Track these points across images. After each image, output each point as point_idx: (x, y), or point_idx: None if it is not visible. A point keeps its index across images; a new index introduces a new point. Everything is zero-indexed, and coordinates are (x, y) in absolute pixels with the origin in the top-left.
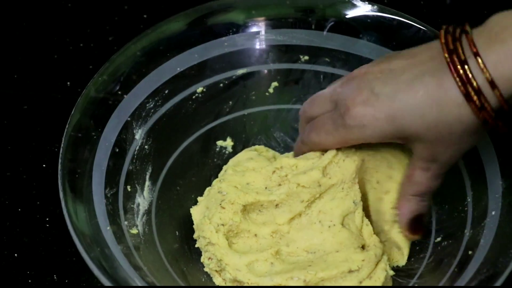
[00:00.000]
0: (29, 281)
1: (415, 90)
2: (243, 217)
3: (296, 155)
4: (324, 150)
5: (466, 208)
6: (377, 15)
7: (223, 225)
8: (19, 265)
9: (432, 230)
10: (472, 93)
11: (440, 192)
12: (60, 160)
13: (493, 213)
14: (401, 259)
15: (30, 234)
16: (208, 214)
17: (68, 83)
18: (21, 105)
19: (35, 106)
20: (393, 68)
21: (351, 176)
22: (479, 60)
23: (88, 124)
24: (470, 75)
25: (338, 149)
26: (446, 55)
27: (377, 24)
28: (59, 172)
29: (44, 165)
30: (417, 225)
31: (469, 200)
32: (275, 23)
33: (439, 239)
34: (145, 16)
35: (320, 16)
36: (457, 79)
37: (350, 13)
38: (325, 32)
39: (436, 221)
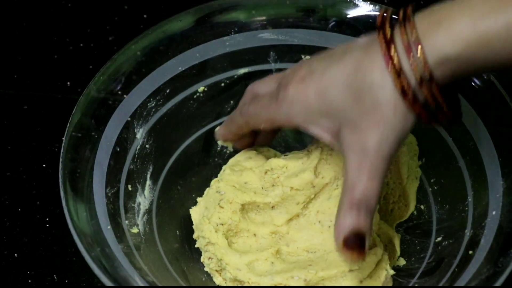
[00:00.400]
0: (29, 281)
1: (344, 62)
2: (242, 216)
3: (225, 128)
4: (252, 128)
5: (466, 208)
6: (378, 15)
7: (222, 224)
8: (19, 265)
9: (433, 230)
10: (393, 55)
11: (441, 192)
12: (61, 159)
13: (494, 213)
14: (394, 253)
15: (30, 234)
16: (207, 214)
17: (68, 83)
18: (21, 105)
19: (35, 106)
20: (334, 50)
21: (343, 171)
22: (410, 23)
23: (89, 124)
24: (396, 37)
25: (320, 143)
26: (380, 19)
27: None
28: (60, 171)
29: (44, 165)
30: (354, 244)
31: (469, 200)
32: (276, 23)
33: (439, 238)
34: (145, 16)
35: (322, 16)
36: (382, 41)
37: (351, 13)
38: (326, 32)
39: (437, 221)
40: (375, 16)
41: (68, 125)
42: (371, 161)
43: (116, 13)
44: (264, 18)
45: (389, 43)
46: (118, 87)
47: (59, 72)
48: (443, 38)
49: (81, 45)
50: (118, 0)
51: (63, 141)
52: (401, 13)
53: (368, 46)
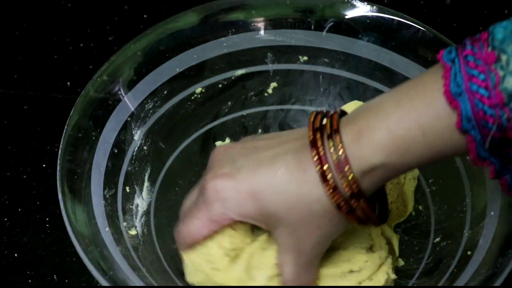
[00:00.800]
0: (29, 281)
1: (276, 167)
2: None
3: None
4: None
5: (465, 209)
6: (376, 16)
7: (234, 249)
8: (19, 265)
9: (431, 230)
10: (327, 172)
11: (439, 192)
12: (59, 161)
13: (492, 213)
14: (393, 253)
15: (30, 234)
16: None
17: (68, 83)
18: (21, 105)
19: (35, 106)
20: (257, 145)
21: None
22: (337, 138)
23: (87, 125)
24: (327, 153)
25: None
26: (311, 133)
27: (376, 25)
28: (58, 173)
29: (44, 165)
30: None
31: (468, 200)
32: (274, 23)
33: (438, 239)
34: (145, 16)
35: (320, 17)
36: (315, 157)
37: (350, 14)
38: (324, 33)
39: (435, 221)
40: (372, 16)
41: (66, 126)
42: (307, 259)
43: (116, 13)
44: (262, 18)
45: (322, 161)
46: (116, 88)
47: (59, 72)
48: (366, 150)
49: (81, 45)
50: (118, 0)
51: (61, 142)
52: (328, 123)
53: (299, 153)
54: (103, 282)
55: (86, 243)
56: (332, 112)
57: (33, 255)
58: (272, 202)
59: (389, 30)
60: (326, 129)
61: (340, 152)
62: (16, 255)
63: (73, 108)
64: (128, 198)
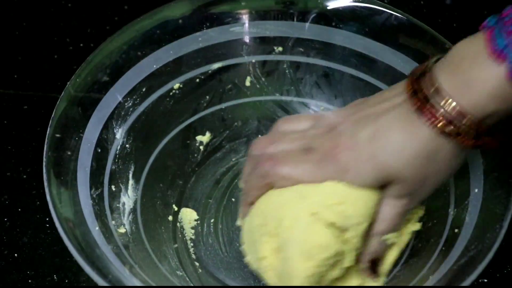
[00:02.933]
0: (29, 281)
1: (392, 129)
2: None
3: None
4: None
5: (448, 188)
6: (356, 6)
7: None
8: (19, 265)
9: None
10: (443, 126)
11: None
12: (44, 164)
13: (476, 190)
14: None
15: (30, 234)
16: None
17: (68, 83)
18: (21, 105)
19: (35, 106)
20: (368, 114)
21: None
22: (442, 94)
23: (69, 126)
24: (436, 111)
25: None
26: (411, 93)
27: (356, 14)
28: (44, 174)
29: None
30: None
31: (450, 179)
32: (251, 16)
33: (423, 220)
34: None
35: (302, 8)
36: (426, 118)
37: (332, 5)
38: (307, 24)
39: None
40: (352, 6)
41: (48, 129)
42: (406, 205)
43: (116, 13)
44: (238, 11)
45: (435, 121)
46: (96, 87)
47: (59, 72)
48: (480, 99)
49: (81, 45)
50: (118, 0)
51: (45, 145)
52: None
53: (410, 112)
54: (100, 282)
55: (78, 243)
56: (424, 67)
57: (33, 255)
58: (391, 160)
59: (363, 17)
60: (425, 88)
61: (452, 107)
62: (16, 255)
63: (54, 111)
64: (115, 196)
